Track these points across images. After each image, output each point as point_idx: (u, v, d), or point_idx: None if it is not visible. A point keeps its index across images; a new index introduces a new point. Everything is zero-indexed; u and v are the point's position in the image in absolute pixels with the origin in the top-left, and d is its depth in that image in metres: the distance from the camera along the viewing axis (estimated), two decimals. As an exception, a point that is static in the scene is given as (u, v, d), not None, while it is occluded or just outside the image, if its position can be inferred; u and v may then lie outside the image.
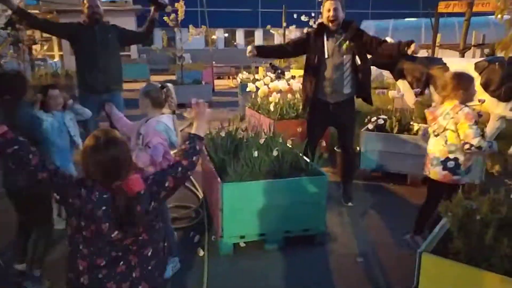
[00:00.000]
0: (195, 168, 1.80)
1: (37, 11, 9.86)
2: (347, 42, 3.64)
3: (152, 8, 4.24)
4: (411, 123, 4.68)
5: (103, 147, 1.54)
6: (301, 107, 4.98)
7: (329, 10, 3.62)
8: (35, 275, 2.53)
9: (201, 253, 3.07)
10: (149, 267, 1.63)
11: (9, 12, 7.00)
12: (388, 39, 5.51)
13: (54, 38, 8.44)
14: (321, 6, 3.74)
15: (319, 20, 4.14)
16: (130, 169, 1.61)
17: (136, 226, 1.56)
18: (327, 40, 3.71)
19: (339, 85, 3.74)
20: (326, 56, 3.70)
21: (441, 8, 8.21)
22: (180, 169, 1.71)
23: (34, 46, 7.92)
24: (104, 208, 1.51)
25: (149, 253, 1.63)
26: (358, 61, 3.71)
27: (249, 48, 3.95)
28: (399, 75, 5.63)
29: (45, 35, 10.73)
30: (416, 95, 5.06)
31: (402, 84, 5.61)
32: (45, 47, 9.40)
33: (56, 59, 14.36)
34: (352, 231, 3.49)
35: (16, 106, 2.45)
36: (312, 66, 3.79)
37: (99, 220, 1.50)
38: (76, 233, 1.56)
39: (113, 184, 1.53)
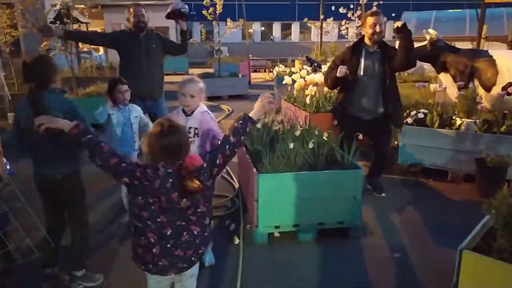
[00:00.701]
0: (240, 147, 2.01)
1: (82, 6, 10.27)
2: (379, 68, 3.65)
3: (178, 22, 4.30)
4: (454, 117, 4.51)
5: (167, 133, 1.72)
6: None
7: (374, 25, 3.58)
8: (79, 275, 2.51)
9: (237, 241, 3.13)
10: (206, 233, 1.85)
11: (58, 7, 7.39)
12: (431, 31, 5.37)
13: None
14: (364, 21, 3.70)
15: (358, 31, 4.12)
16: (187, 152, 1.80)
17: (200, 193, 1.74)
18: (365, 58, 3.68)
19: (374, 104, 3.73)
20: (362, 74, 3.68)
21: (489, -3, 7.80)
22: (228, 146, 1.85)
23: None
24: (171, 180, 1.70)
25: (206, 222, 1.85)
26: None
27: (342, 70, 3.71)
28: (441, 68, 5.43)
29: (90, 29, 11.22)
30: (460, 88, 4.87)
31: (445, 77, 5.41)
32: (89, 41, 9.76)
33: (101, 52, 14.93)
34: (388, 226, 3.44)
35: (42, 93, 2.28)
36: (348, 82, 3.75)
37: (168, 191, 1.70)
38: (143, 211, 1.74)
39: (174, 163, 1.73)
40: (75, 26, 7.02)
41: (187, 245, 1.78)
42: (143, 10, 4.21)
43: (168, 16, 4.31)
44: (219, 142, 1.92)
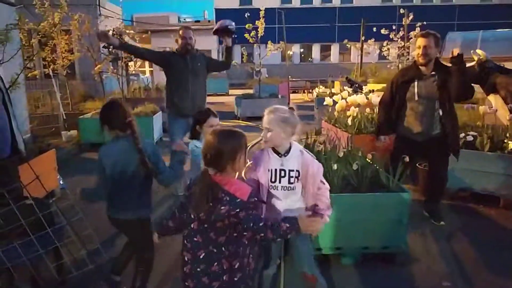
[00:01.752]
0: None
1: (132, 32, 10.92)
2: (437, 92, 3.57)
3: (224, 39, 4.47)
4: (505, 140, 4.31)
5: (215, 137, 1.75)
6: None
7: (419, 47, 3.55)
8: None
9: (277, 261, 3.11)
10: (235, 278, 1.78)
11: (111, 32, 7.90)
12: (479, 52, 5.21)
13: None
14: (414, 43, 3.69)
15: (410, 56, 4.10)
16: (232, 168, 1.77)
17: (221, 221, 1.71)
18: (418, 81, 3.62)
19: (428, 127, 3.65)
20: (416, 98, 3.63)
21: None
22: (262, 234, 1.75)
23: (129, 63, 8.81)
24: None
25: (236, 265, 1.77)
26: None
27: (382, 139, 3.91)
28: (490, 89, 5.22)
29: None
30: (511, 111, 4.66)
31: (495, 99, 5.19)
32: (138, 64, 10.32)
33: (147, 74, 15.69)
34: (436, 253, 3.30)
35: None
36: (397, 107, 3.76)
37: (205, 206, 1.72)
38: (185, 227, 1.81)
39: (214, 173, 1.74)
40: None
41: (214, 276, 1.75)
42: (191, 33, 4.44)
43: (215, 33, 4.50)
44: (267, 224, 1.75)
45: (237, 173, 1.83)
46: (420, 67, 3.64)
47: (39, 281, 2.48)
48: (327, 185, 2.24)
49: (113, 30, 8.10)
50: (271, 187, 2.16)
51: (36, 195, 2.70)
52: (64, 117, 7.70)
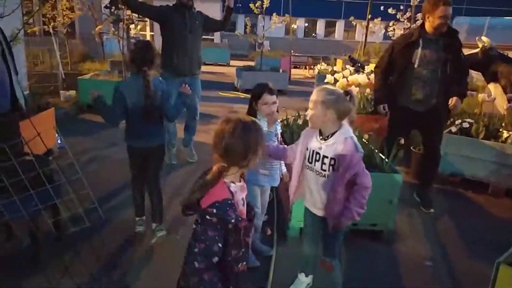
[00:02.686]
0: None
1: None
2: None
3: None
4: (501, 129, 4.38)
5: (236, 131, 1.43)
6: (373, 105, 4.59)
7: (442, 17, 3.35)
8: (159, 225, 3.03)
9: (269, 232, 3.22)
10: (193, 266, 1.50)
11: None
12: (484, 39, 5.20)
13: (147, 19, 9.14)
14: (432, 8, 3.40)
15: (416, 23, 3.97)
16: (240, 165, 1.46)
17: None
18: (422, 47, 3.49)
19: (429, 94, 3.56)
20: (416, 65, 3.51)
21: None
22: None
23: (131, 26, 8.63)
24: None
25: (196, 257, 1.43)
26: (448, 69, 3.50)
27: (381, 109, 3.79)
28: (491, 77, 5.27)
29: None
30: (510, 100, 4.71)
31: (494, 88, 5.24)
32: (139, 27, 10.12)
33: (148, 38, 15.43)
34: (422, 234, 3.41)
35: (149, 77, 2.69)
36: (398, 74, 3.65)
37: None
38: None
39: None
40: (128, 12, 7.28)
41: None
42: None
43: None
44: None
45: (244, 170, 1.53)
46: (426, 32, 3.50)
47: (37, 235, 2.56)
48: (366, 183, 2.02)
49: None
50: (306, 166, 2.12)
51: (35, 152, 2.74)
52: (63, 77, 7.63)
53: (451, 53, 3.47)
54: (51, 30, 7.60)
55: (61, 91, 7.32)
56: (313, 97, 2.00)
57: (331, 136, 2.01)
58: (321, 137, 2.05)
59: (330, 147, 2.00)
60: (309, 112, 2.02)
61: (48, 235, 2.73)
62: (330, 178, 2.02)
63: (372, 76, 5.94)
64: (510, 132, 4.26)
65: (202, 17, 4.54)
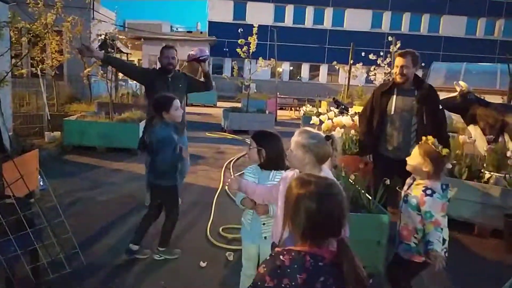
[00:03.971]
0: None
1: (124, 37, 10.93)
2: (416, 107, 3.61)
3: (200, 65, 4.48)
4: (482, 170, 4.47)
5: (321, 191, 1.25)
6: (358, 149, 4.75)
7: (397, 67, 3.60)
8: (162, 250, 3.34)
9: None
10: None
11: (103, 36, 7.90)
12: (461, 83, 5.43)
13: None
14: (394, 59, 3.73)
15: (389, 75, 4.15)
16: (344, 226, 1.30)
17: None
18: (397, 95, 3.66)
19: (406, 142, 3.67)
20: (392, 112, 3.67)
21: (521, 54, 7.85)
22: None
23: (119, 68, 8.81)
24: (322, 279, 1.20)
25: None
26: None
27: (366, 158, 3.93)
28: (470, 120, 5.44)
29: (130, 58, 11.88)
30: (489, 142, 4.85)
31: (474, 130, 5.40)
32: (126, 70, 10.29)
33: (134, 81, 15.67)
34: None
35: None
36: (376, 122, 3.78)
37: None
38: None
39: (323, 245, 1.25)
40: (117, 55, 7.43)
41: None
42: (175, 52, 4.38)
43: (189, 60, 4.50)
44: None
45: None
46: (400, 83, 3.67)
47: (14, 282, 2.44)
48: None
49: (106, 35, 8.10)
50: None
51: (16, 194, 2.67)
52: (49, 118, 7.60)
53: (426, 104, 3.60)
54: (39, 72, 7.66)
55: (46, 132, 7.27)
56: (295, 137, 1.98)
57: None
58: None
59: None
60: (289, 153, 2.00)
61: (26, 281, 2.60)
62: None
63: (356, 118, 6.10)
64: (492, 173, 4.36)
65: (186, 78, 4.57)
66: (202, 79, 4.71)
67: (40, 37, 6.55)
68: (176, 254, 3.39)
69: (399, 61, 3.59)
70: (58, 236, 2.68)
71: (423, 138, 2.61)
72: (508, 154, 4.52)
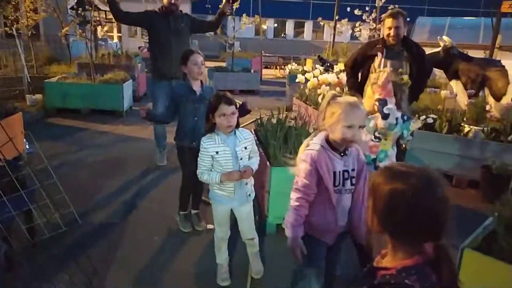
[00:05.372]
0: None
1: (100, -6, 10.44)
2: (407, 68, 3.62)
3: (226, 3, 4.41)
4: (462, 124, 4.62)
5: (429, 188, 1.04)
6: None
7: (390, 28, 3.56)
8: (194, 213, 3.27)
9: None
10: None
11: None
12: (445, 38, 5.46)
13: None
14: (383, 20, 3.65)
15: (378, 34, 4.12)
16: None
17: None
18: (386, 57, 3.64)
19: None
20: None
21: (505, 7, 7.83)
22: None
23: (98, 27, 8.49)
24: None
25: None
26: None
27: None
28: (453, 75, 5.53)
29: (109, 16, 11.39)
30: (470, 96, 4.97)
31: (456, 85, 5.51)
32: (105, 28, 9.94)
33: (115, 40, 15.13)
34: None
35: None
36: (363, 77, 3.80)
37: None
38: None
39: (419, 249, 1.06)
40: (95, 13, 7.14)
41: None
42: None
43: None
44: None
45: None
46: (388, 43, 3.67)
47: (11, 242, 2.50)
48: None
49: (82, -9, 7.74)
50: (336, 191, 1.89)
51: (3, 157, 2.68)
52: (29, 80, 7.39)
53: (415, 63, 3.65)
54: (14, 32, 7.34)
55: (27, 95, 7.09)
56: (363, 111, 1.86)
57: (347, 149, 1.91)
58: (340, 154, 1.88)
59: (352, 159, 1.92)
60: (360, 132, 1.84)
61: (23, 241, 2.67)
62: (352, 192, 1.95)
63: (342, 75, 6.12)
64: (471, 126, 4.51)
65: (188, 19, 4.49)
66: (213, 18, 4.61)
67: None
68: (203, 226, 3.28)
69: (391, 22, 3.54)
70: (51, 197, 2.72)
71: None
72: (487, 108, 4.67)
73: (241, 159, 2.33)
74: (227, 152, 2.31)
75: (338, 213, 1.92)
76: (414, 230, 1.03)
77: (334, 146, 1.87)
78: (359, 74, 3.94)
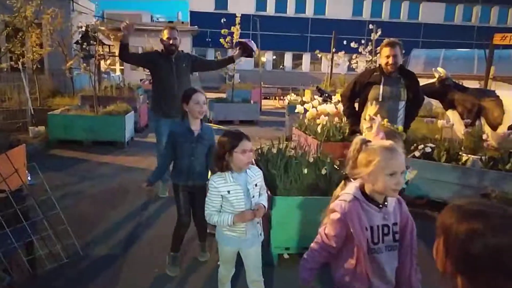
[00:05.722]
0: None
1: (104, 28, 10.77)
2: (405, 94, 3.82)
3: (237, 51, 4.56)
4: (460, 153, 4.68)
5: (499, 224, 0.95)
6: (346, 132, 5.08)
7: (388, 57, 3.71)
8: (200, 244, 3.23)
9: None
10: None
11: (83, 28, 7.80)
12: (440, 69, 5.61)
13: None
14: (379, 51, 3.87)
15: (374, 63, 4.30)
16: None
17: None
18: (384, 86, 3.81)
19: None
20: (380, 99, 3.82)
21: (497, 40, 8.09)
22: None
23: (101, 61, 8.72)
24: None
25: None
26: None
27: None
28: (449, 105, 5.64)
29: (112, 50, 11.71)
30: (466, 125, 5.05)
31: (452, 114, 5.61)
32: (108, 62, 10.20)
33: (118, 73, 15.46)
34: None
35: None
36: (361, 106, 3.94)
37: None
38: None
39: None
40: (99, 48, 7.37)
41: None
42: (177, 33, 4.38)
43: (239, 44, 4.58)
44: None
45: None
46: (386, 71, 3.82)
47: (12, 273, 2.49)
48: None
49: (87, 27, 8.00)
50: (372, 250, 1.66)
51: (6, 188, 2.71)
52: (32, 112, 7.51)
53: (411, 90, 3.82)
54: (20, 66, 7.54)
55: (30, 127, 7.19)
56: (403, 156, 1.67)
57: (386, 199, 1.71)
58: (378, 205, 1.69)
59: (393, 212, 1.73)
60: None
61: (24, 273, 2.66)
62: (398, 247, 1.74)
63: (340, 105, 6.24)
64: (469, 155, 4.56)
65: (190, 58, 4.59)
66: (217, 59, 4.79)
67: (20, 31, 6.44)
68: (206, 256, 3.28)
69: (389, 51, 3.70)
70: (54, 227, 2.73)
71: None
72: (484, 137, 4.74)
73: (253, 197, 2.24)
74: (239, 190, 2.20)
75: (374, 275, 1.67)
76: (495, 273, 0.94)
77: (372, 197, 1.67)
78: (356, 104, 4.06)
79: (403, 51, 3.87)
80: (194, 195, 2.96)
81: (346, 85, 4.34)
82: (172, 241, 3.05)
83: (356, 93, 3.99)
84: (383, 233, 1.68)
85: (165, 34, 4.35)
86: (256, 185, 2.27)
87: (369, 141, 1.71)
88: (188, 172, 2.89)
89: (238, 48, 4.60)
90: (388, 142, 1.69)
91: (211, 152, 2.84)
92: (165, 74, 4.40)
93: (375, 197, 1.68)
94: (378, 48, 4.12)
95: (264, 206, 2.27)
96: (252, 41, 4.61)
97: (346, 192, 1.72)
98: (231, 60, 4.66)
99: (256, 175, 2.29)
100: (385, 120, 2.65)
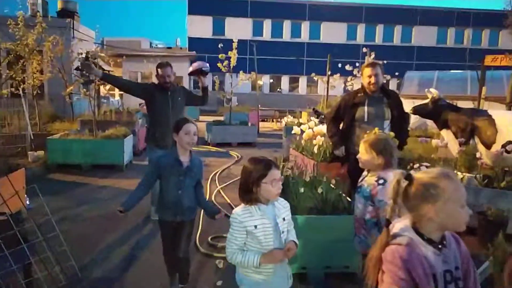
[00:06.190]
0: None
1: (103, 54, 11.00)
2: (389, 113, 3.88)
3: (200, 79, 4.67)
4: (455, 172, 4.73)
5: None
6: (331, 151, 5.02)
7: (370, 76, 3.81)
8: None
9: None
10: None
11: (84, 55, 7.98)
12: (433, 90, 5.74)
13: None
14: (362, 70, 3.93)
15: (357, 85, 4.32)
16: None
17: None
18: (368, 105, 3.88)
19: None
20: (366, 120, 3.88)
21: (488, 61, 8.30)
22: None
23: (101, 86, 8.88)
24: None
25: None
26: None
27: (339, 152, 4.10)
28: (443, 125, 5.73)
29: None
30: (461, 145, 5.13)
31: (446, 134, 5.69)
32: (107, 87, 10.36)
33: (117, 97, 15.65)
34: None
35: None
36: (346, 126, 4.01)
37: None
38: None
39: None
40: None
41: None
42: (170, 70, 4.45)
43: (191, 74, 4.69)
44: None
45: None
46: (368, 92, 3.89)
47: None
48: None
49: (87, 53, 8.17)
50: None
51: (6, 211, 2.73)
52: (32, 137, 7.58)
53: (395, 108, 3.90)
54: (20, 92, 7.66)
55: (29, 152, 7.24)
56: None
57: (444, 238, 1.43)
58: (438, 247, 1.39)
59: (452, 254, 1.42)
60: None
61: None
62: None
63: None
64: (464, 174, 4.62)
65: (184, 92, 4.71)
66: (199, 93, 4.84)
67: (22, 58, 6.58)
68: None
69: (370, 71, 3.81)
70: (53, 249, 2.75)
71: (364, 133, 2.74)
72: (478, 155, 4.80)
73: (282, 232, 1.97)
74: (267, 225, 1.93)
75: None
76: None
77: (428, 237, 1.37)
78: (340, 124, 4.13)
79: (396, 75, 3.98)
80: (181, 226, 2.78)
81: (330, 110, 4.41)
82: (166, 266, 2.97)
83: (341, 115, 4.08)
84: (445, 280, 1.35)
85: (159, 72, 4.45)
86: (284, 219, 2.00)
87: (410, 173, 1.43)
88: (175, 207, 2.71)
89: (197, 78, 4.71)
90: (443, 170, 1.42)
91: (199, 187, 2.79)
92: (161, 106, 4.48)
93: (431, 237, 1.38)
94: (361, 67, 4.21)
95: (296, 244, 2.01)
96: (198, 62, 4.72)
97: (397, 233, 1.38)
98: (205, 89, 4.77)
99: (285, 207, 2.06)
100: (376, 128, 2.68)
